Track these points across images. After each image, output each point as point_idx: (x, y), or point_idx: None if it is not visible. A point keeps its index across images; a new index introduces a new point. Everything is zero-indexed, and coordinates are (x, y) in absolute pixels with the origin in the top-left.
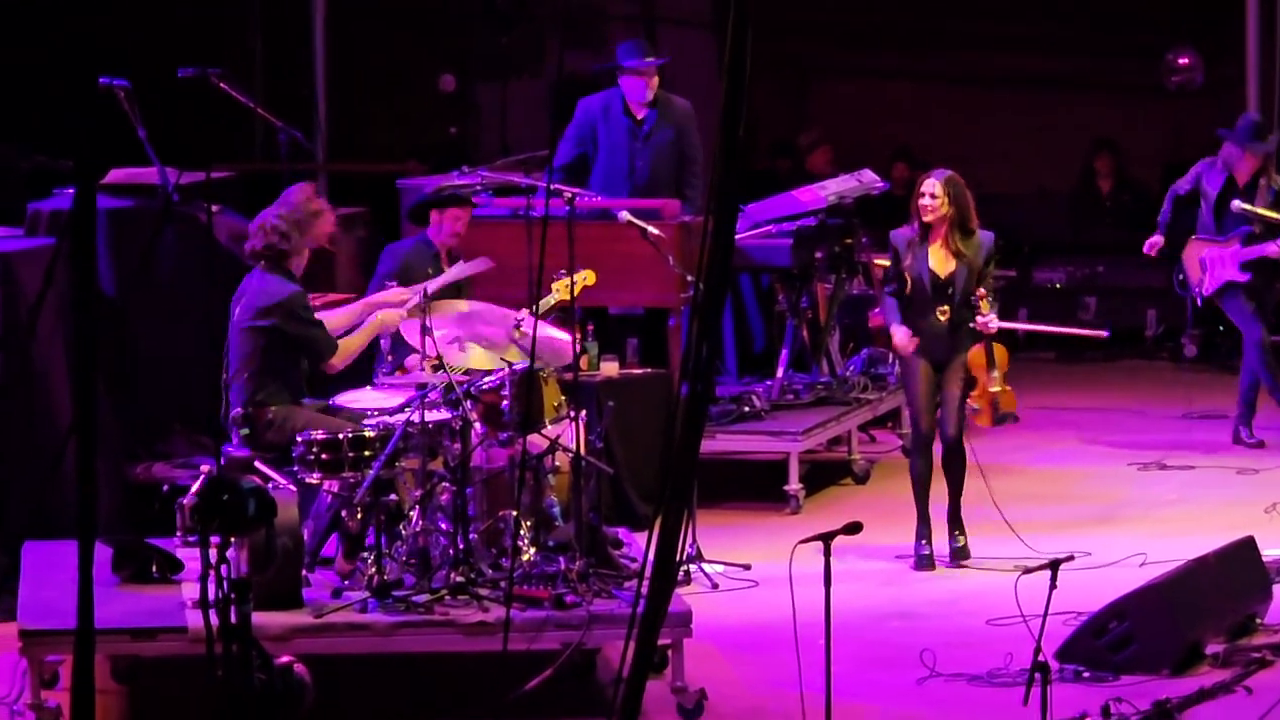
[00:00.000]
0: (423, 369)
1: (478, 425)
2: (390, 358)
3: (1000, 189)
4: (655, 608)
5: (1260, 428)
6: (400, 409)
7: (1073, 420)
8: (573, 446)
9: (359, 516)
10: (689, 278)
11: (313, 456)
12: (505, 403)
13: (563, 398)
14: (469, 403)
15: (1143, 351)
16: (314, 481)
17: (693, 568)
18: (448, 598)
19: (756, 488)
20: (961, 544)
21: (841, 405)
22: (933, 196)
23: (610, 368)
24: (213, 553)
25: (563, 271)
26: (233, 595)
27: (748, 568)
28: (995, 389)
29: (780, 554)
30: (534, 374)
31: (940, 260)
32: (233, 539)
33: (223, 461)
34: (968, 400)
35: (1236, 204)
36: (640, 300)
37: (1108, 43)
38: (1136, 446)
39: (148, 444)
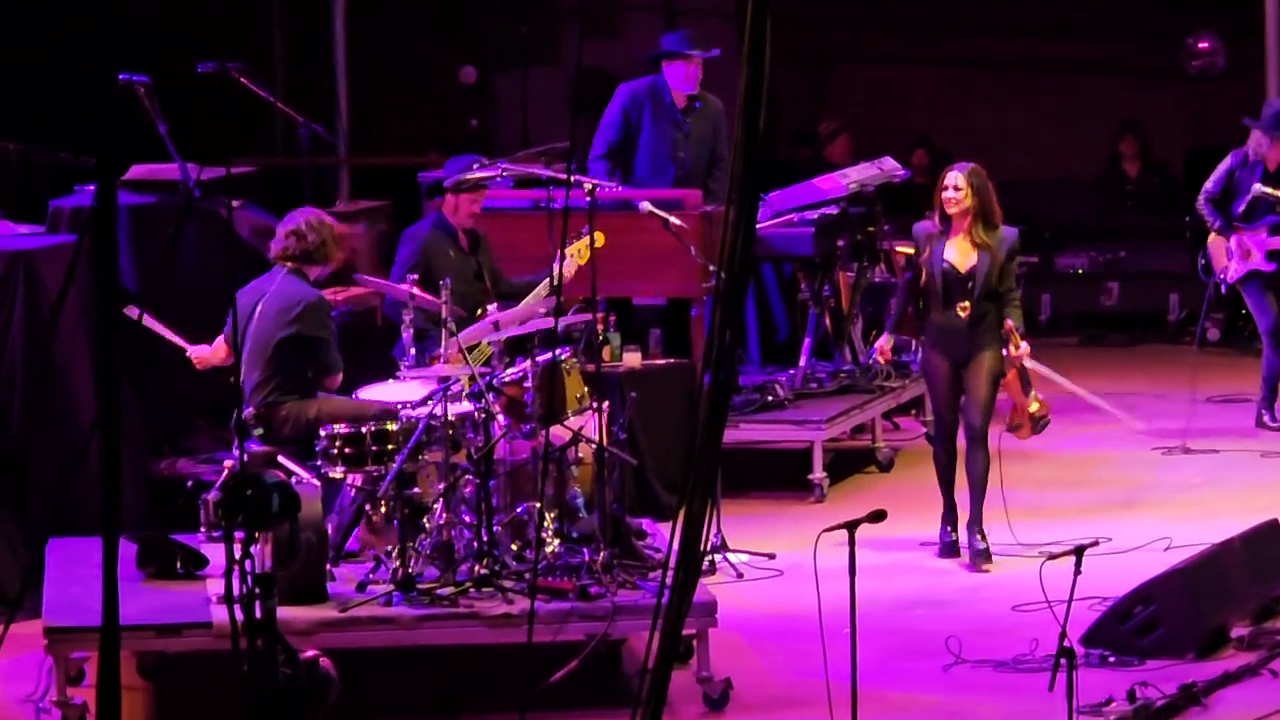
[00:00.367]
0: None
1: (500, 418)
2: (412, 351)
3: (1020, 174)
4: (680, 598)
5: None
6: (423, 402)
7: (1095, 405)
8: (596, 438)
9: (383, 510)
10: (711, 267)
11: (335, 451)
12: (528, 395)
13: (585, 389)
14: (491, 395)
15: (1165, 336)
16: (337, 476)
17: (717, 557)
18: (472, 590)
19: (780, 477)
20: (983, 547)
21: (865, 393)
22: (956, 189)
23: (633, 358)
24: (237, 548)
25: (573, 238)
26: (257, 590)
27: (772, 557)
28: (1034, 408)
29: (805, 543)
30: (557, 365)
31: (962, 253)
32: (257, 534)
33: (246, 457)
34: (1008, 420)
35: (1257, 187)
36: (663, 290)
37: (1127, 27)
38: (1159, 432)
39: (171, 440)
